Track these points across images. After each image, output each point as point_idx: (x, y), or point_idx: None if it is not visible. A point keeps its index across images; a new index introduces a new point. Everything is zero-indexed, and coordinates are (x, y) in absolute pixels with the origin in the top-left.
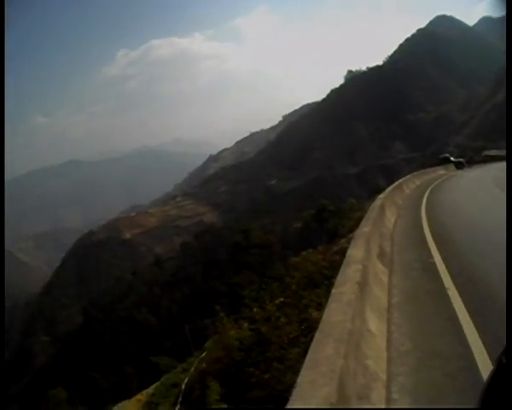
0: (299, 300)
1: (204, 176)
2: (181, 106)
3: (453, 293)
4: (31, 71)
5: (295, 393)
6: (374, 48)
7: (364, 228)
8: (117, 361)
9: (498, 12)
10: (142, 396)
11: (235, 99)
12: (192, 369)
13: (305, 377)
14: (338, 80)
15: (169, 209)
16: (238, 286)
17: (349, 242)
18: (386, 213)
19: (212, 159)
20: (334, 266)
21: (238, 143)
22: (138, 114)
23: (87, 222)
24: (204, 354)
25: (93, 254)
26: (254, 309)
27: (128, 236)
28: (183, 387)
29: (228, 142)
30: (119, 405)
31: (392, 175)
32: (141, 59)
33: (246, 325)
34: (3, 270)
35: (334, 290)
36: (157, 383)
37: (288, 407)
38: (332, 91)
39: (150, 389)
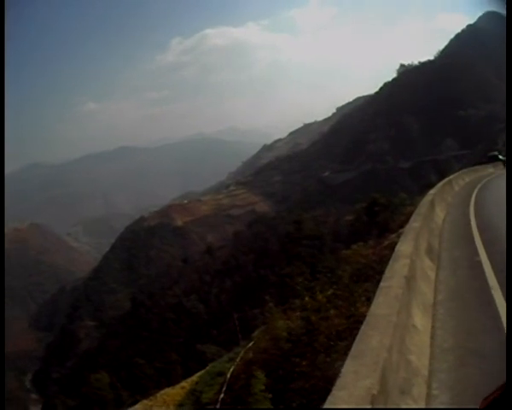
0: (350, 293)
1: (257, 165)
2: (235, 95)
3: (497, 293)
4: (83, 57)
5: (338, 382)
6: (426, 42)
7: (414, 223)
8: (163, 348)
9: None
10: (187, 384)
11: (288, 90)
12: (238, 358)
13: (349, 367)
14: (391, 74)
15: (222, 198)
16: (288, 277)
17: (399, 236)
18: (436, 210)
19: (266, 148)
20: (384, 261)
21: (292, 133)
22: (193, 102)
23: (138, 208)
24: (251, 344)
25: (143, 241)
26: (306, 298)
27: (180, 223)
28: (229, 376)
29: (281, 132)
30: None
31: (442, 171)
32: (195, 47)
33: (295, 315)
34: (3, 270)
35: (381, 284)
36: (202, 372)
37: (330, 396)
38: (385, 85)
39: (195, 377)
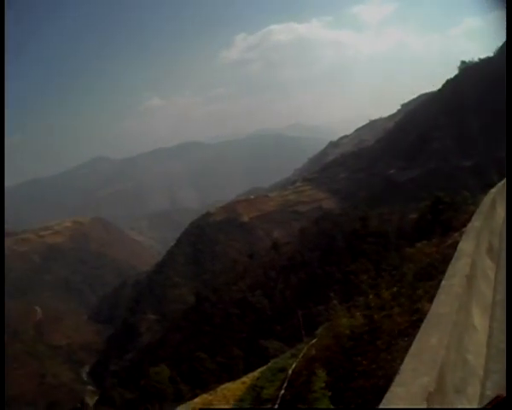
0: (414, 291)
1: (324, 162)
2: (300, 91)
3: None
4: (149, 55)
5: (397, 379)
6: (486, 38)
7: (475, 222)
8: (225, 343)
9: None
10: (248, 379)
11: (352, 86)
12: (301, 355)
13: (408, 365)
14: (452, 70)
15: (288, 194)
16: (353, 274)
17: (461, 235)
18: (497, 209)
19: (332, 145)
20: (447, 260)
21: (357, 130)
22: (258, 98)
23: (204, 203)
24: (314, 341)
25: (209, 236)
26: (370, 296)
27: (246, 219)
28: (290, 372)
29: (347, 128)
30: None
31: (504, 171)
32: (260, 44)
33: (358, 313)
34: (3, 270)
35: (443, 282)
36: (264, 367)
37: (388, 392)
38: (447, 82)
39: (256, 373)
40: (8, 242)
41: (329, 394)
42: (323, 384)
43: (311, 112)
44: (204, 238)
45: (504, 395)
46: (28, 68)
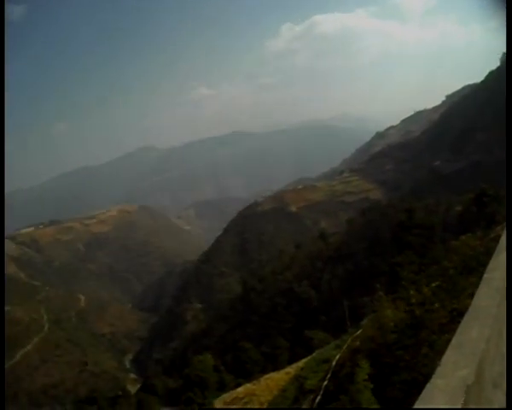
0: (454, 285)
1: (370, 152)
2: (346, 81)
3: None
4: (196, 44)
5: (438, 371)
6: None
7: None
8: (271, 333)
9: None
10: (292, 369)
11: (398, 77)
12: (345, 346)
13: (449, 357)
14: (496, 62)
15: (336, 184)
16: (398, 266)
17: (504, 228)
18: None
19: (379, 136)
20: (490, 253)
21: (403, 121)
22: (304, 88)
23: (251, 193)
24: (359, 332)
25: (256, 225)
26: (411, 291)
27: (294, 208)
28: (334, 363)
29: (393, 119)
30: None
31: None
32: (305, 34)
33: (402, 305)
34: (3, 270)
35: (485, 275)
36: (308, 358)
37: (429, 383)
38: (490, 73)
39: (300, 363)
40: (51, 230)
41: (372, 386)
42: (366, 376)
43: (358, 102)
44: (251, 228)
45: None
46: (76, 56)
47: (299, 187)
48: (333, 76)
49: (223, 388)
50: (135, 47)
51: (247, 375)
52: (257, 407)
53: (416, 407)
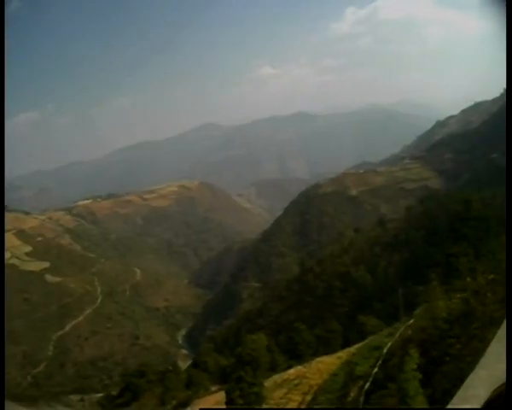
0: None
1: (431, 140)
2: (408, 68)
3: None
4: (261, 24)
5: (481, 362)
6: None
7: None
8: (325, 315)
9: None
10: (343, 354)
11: (459, 66)
12: (397, 334)
13: (493, 349)
14: None
15: (396, 170)
16: (453, 257)
17: None
18: None
19: (439, 124)
20: None
21: (464, 111)
22: (367, 72)
23: (313, 174)
24: (411, 322)
25: (317, 207)
26: (468, 279)
27: (354, 192)
28: (385, 351)
29: (454, 108)
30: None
31: None
32: (369, 18)
33: (455, 296)
34: (3, 270)
35: None
36: (360, 344)
37: (472, 373)
38: None
39: (352, 349)
40: (109, 203)
41: (420, 376)
42: (415, 366)
43: (419, 89)
44: (312, 209)
45: None
46: (140, 33)
47: (361, 171)
48: (394, 62)
49: (274, 368)
50: (202, 25)
51: (300, 357)
52: (306, 389)
53: (457, 396)
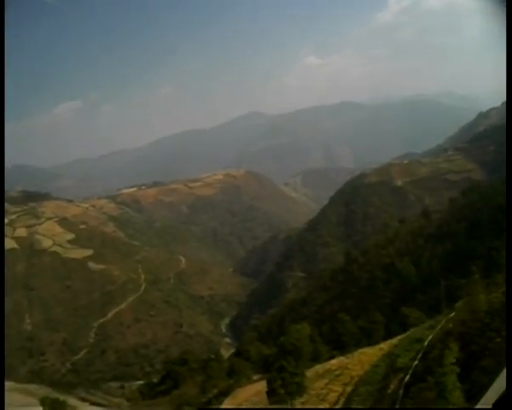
0: None
1: (473, 132)
2: (452, 58)
3: None
4: (306, 13)
5: None
6: None
7: None
8: (369, 307)
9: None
10: (385, 346)
11: (503, 56)
12: (438, 327)
13: None
14: None
15: (440, 162)
16: (495, 250)
17: None
18: None
19: (482, 116)
20: None
21: (504, 103)
22: (410, 62)
23: (358, 164)
24: (452, 315)
25: (362, 197)
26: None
27: (399, 183)
28: (426, 344)
29: (496, 100)
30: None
31: None
32: (412, 8)
33: (496, 290)
34: (3, 270)
35: None
36: (402, 336)
37: (506, 368)
38: None
39: (394, 340)
40: (154, 191)
41: (458, 370)
42: (454, 360)
43: (462, 80)
44: (357, 199)
45: None
46: (185, 21)
47: (405, 162)
48: (437, 52)
49: (317, 359)
50: (245, 14)
51: (342, 347)
52: (348, 380)
53: (491, 390)
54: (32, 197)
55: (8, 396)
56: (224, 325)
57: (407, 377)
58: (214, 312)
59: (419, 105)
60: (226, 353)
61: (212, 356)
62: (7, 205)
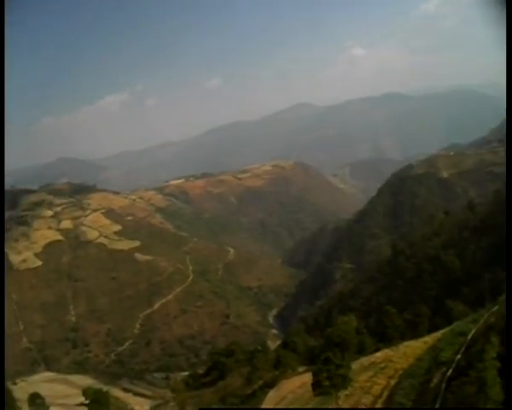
0: None
1: None
2: (493, 50)
3: None
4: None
5: None
6: None
7: None
8: (414, 299)
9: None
10: (430, 339)
11: None
12: (481, 321)
13: None
14: None
15: (484, 153)
16: None
17: None
18: None
19: None
20: None
21: None
22: (454, 53)
23: (405, 155)
24: (495, 309)
25: (410, 188)
26: None
27: (445, 175)
28: (469, 337)
29: None
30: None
31: None
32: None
33: None
34: (3, 271)
35: None
36: (446, 329)
37: None
38: None
39: (439, 334)
40: (202, 183)
41: (499, 365)
42: (495, 355)
43: (504, 72)
44: (405, 191)
45: None
46: (235, 15)
47: (451, 153)
48: (480, 43)
49: (362, 351)
50: (290, 5)
51: (388, 340)
52: (392, 373)
53: None
54: (77, 190)
55: (49, 387)
56: (271, 316)
57: (449, 372)
58: (262, 303)
59: (463, 96)
60: (273, 344)
61: (259, 347)
62: (51, 197)
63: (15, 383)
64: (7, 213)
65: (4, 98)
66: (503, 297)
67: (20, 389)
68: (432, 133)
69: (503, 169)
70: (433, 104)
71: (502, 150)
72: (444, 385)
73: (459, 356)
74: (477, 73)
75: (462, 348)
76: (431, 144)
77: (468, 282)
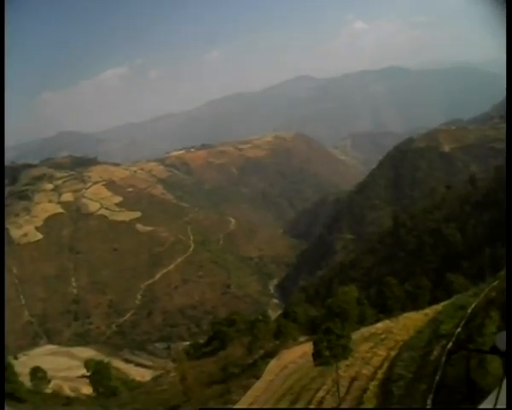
0: None
1: None
2: (497, 27)
3: None
4: None
5: None
6: None
7: None
8: (415, 271)
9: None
10: (430, 311)
11: None
12: (482, 295)
13: None
14: None
15: (486, 129)
16: None
17: None
18: None
19: None
20: None
21: None
22: (456, 29)
23: (406, 128)
24: (496, 283)
25: (410, 162)
26: None
27: (447, 149)
28: (469, 311)
29: None
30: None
31: None
32: None
33: None
34: (3, 271)
35: None
36: (447, 302)
37: None
38: None
39: (439, 306)
40: (203, 154)
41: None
42: (495, 330)
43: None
44: (406, 163)
45: None
46: None
47: (453, 128)
48: (483, 21)
49: (363, 321)
50: None
51: (388, 311)
52: (392, 344)
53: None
54: (78, 163)
55: (51, 360)
56: (272, 285)
57: (449, 345)
58: (263, 273)
59: (463, 71)
60: (274, 314)
61: (260, 317)
62: (52, 171)
63: (16, 358)
64: (8, 189)
65: (4, 98)
66: (503, 272)
67: (22, 364)
68: (434, 108)
69: (503, 145)
70: (433, 79)
71: (504, 127)
72: (444, 358)
73: (459, 330)
74: (479, 49)
75: (462, 322)
76: (432, 119)
77: (468, 256)
